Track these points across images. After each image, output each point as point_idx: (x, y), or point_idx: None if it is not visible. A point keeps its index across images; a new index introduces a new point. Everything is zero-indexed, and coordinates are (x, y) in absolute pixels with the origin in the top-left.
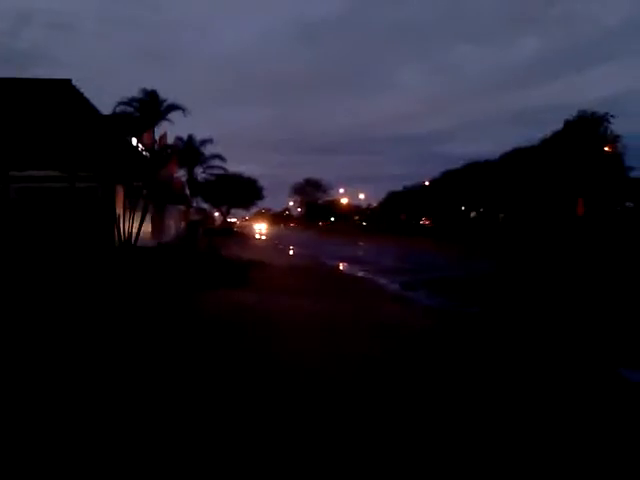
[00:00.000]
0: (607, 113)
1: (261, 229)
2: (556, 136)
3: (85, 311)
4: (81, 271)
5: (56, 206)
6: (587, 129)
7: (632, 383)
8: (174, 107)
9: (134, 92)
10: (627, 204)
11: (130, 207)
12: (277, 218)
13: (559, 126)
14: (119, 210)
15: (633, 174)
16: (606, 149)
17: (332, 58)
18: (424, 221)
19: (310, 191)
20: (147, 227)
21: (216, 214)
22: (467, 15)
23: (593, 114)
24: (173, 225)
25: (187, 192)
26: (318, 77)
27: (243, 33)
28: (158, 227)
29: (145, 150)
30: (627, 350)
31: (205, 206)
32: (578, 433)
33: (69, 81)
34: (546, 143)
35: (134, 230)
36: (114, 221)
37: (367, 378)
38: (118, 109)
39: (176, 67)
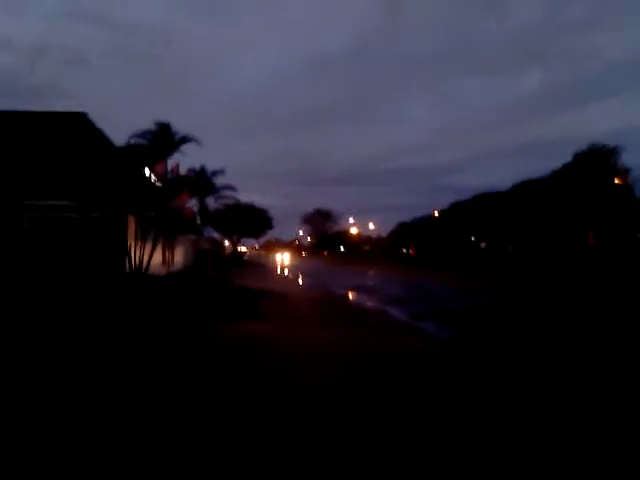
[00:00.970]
0: (617, 146)
1: (283, 260)
2: (566, 168)
3: (96, 340)
4: (92, 300)
5: (69, 235)
6: (597, 161)
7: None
8: (186, 139)
9: (147, 125)
10: (639, 235)
11: (141, 236)
12: (287, 248)
13: (567, 158)
14: (131, 239)
15: None
16: (616, 181)
17: (341, 92)
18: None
19: (320, 221)
20: (158, 256)
21: (226, 243)
22: (473, 49)
23: (604, 147)
24: (183, 254)
25: (198, 221)
26: (327, 110)
27: (254, 67)
28: (169, 256)
29: (157, 181)
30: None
31: (216, 235)
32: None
33: (84, 114)
34: (556, 175)
35: (145, 259)
36: (125, 250)
37: (376, 403)
38: (132, 141)
39: (188, 100)
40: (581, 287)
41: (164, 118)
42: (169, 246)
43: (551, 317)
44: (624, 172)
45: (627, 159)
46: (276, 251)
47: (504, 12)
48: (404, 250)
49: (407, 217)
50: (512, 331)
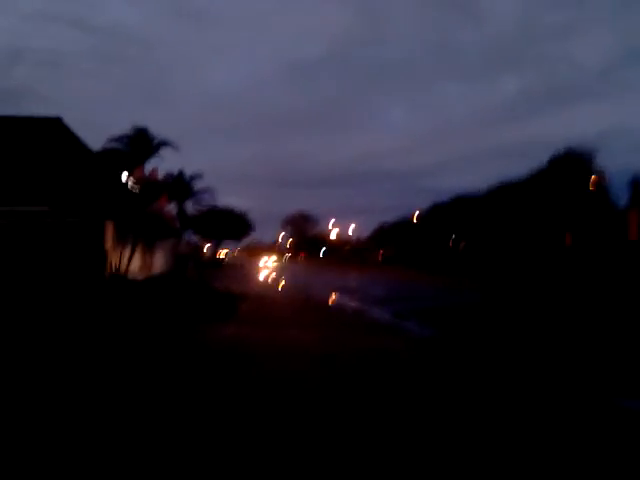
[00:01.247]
0: (593, 148)
1: (267, 264)
2: (543, 171)
3: (73, 345)
4: (70, 306)
5: (46, 242)
6: (573, 164)
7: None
8: (165, 143)
9: (125, 129)
10: (614, 237)
11: (120, 241)
12: (269, 251)
13: (543, 161)
14: (109, 245)
15: (618, 208)
16: (592, 184)
17: (319, 96)
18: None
19: (301, 224)
20: (137, 261)
21: (206, 247)
22: (451, 54)
23: (579, 150)
24: (163, 259)
25: (177, 226)
26: (306, 113)
27: (232, 71)
28: (147, 261)
29: (135, 185)
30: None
31: (195, 239)
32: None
33: (59, 119)
34: (533, 177)
35: (124, 264)
36: (104, 256)
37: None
38: (109, 145)
39: (167, 104)
40: (558, 286)
41: (142, 122)
42: (148, 251)
43: (528, 315)
44: (600, 174)
45: (602, 161)
46: (258, 255)
47: (480, 18)
48: (379, 252)
49: (387, 219)
50: (488, 328)
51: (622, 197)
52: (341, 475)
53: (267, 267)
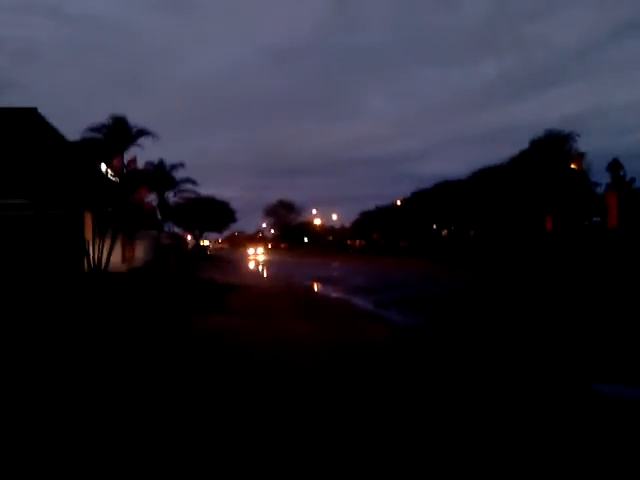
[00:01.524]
0: (572, 132)
1: (256, 253)
2: (523, 155)
3: (52, 340)
4: (46, 301)
5: (24, 235)
6: (553, 147)
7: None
8: (144, 132)
9: (103, 118)
10: (594, 219)
11: (100, 233)
12: (253, 241)
13: (524, 145)
14: (88, 236)
15: (598, 190)
16: (572, 166)
17: (301, 83)
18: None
19: (283, 213)
20: (117, 253)
21: (189, 238)
22: (429, 40)
23: (559, 133)
24: (144, 250)
25: (159, 216)
26: (287, 101)
27: (212, 59)
28: (128, 253)
29: (115, 176)
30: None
31: (177, 230)
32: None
33: (34, 109)
34: (514, 161)
35: (104, 256)
36: (83, 248)
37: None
38: (87, 135)
39: (146, 93)
40: (539, 270)
41: (121, 111)
42: (129, 242)
43: (511, 301)
44: (579, 157)
45: (582, 145)
46: (241, 245)
47: (457, 2)
48: (361, 240)
49: (370, 207)
50: (471, 314)
51: (602, 179)
52: (333, 463)
53: (253, 257)
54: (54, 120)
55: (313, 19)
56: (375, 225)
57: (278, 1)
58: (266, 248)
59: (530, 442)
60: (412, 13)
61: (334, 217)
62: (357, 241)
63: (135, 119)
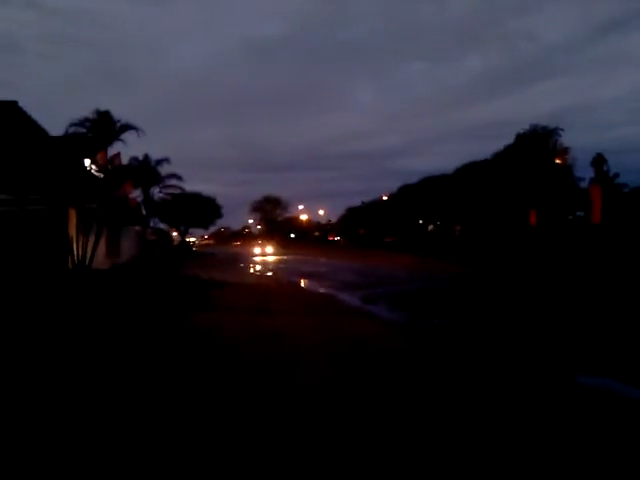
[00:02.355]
0: (557, 127)
1: (264, 253)
2: (509, 149)
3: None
4: (30, 298)
5: (5, 231)
6: (538, 142)
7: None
8: (128, 127)
9: (86, 112)
10: (578, 213)
11: (84, 229)
12: (236, 236)
13: (510, 140)
14: (72, 233)
15: (582, 185)
16: (557, 161)
17: (286, 77)
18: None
19: (269, 208)
20: (102, 249)
21: (174, 234)
22: (415, 34)
23: (544, 128)
24: (129, 246)
25: (144, 213)
26: (273, 96)
27: (196, 53)
28: (113, 249)
29: (99, 171)
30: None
31: (163, 226)
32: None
33: (15, 103)
34: (499, 156)
35: (88, 253)
36: (67, 244)
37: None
38: (70, 130)
39: (130, 87)
40: (523, 264)
41: (104, 106)
42: (114, 239)
43: (496, 296)
44: (564, 152)
45: (566, 139)
46: (228, 241)
47: None
48: (347, 235)
49: (357, 202)
50: (456, 309)
51: (586, 174)
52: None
53: (260, 258)
54: (36, 114)
55: (299, 12)
56: (361, 220)
57: None
58: (253, 244)
59: (512, 434)
60: (399, 7)
61: (321, 212)
62: (338, 237)
63: (119, 114)
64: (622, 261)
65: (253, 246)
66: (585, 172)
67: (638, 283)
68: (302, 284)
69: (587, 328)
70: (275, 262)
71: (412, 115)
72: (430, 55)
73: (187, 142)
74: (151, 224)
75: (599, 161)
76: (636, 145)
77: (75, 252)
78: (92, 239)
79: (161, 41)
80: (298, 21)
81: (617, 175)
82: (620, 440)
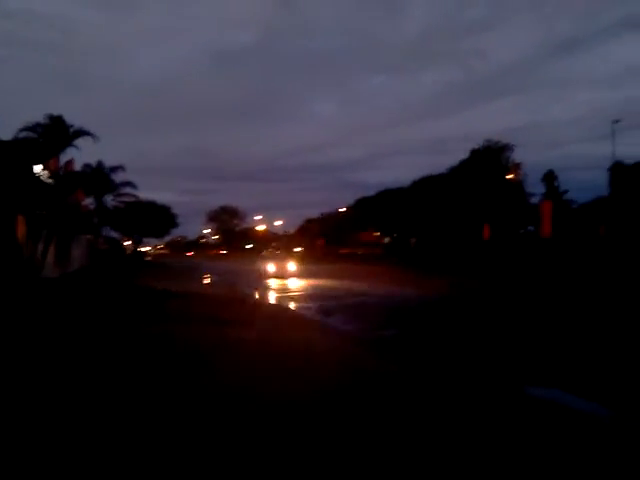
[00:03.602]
0: (509, 143)
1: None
2: (464, 164)
3: None
4: None
5: None
6: (492, 158)
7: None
8: (82, 133)
9: (39, 117)
10: (529, 228)
11: (32, 237)
12: (192, 247)
13: (465, 155)
14: (21, 241)
15: (533, 200)
16: (509, 176)
17: (247, 87)
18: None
19: (226, 218)
20: (51, 258)
21: (127, 243)
22: (375, 48)
23: (497, 143)
24: (79, 255)
25: (96, 221)
26: (233, 106)
27: (157, 60)
28: (63, 257)
29: (50, 177)
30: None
31: (115, 235)
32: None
33: None
34: (455, 170)
35: (37, 262)
36: (15, 253)
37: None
38: (21, 135)
39: (87, 93)
40: (475, 277)
41: (58, 111)
42: (63, 247)
43: (447, 309)
44: (516, 167)
45: (518, 156)
46: (183, 251)
47: (403, 12)
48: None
49: (314, 213)
50: (407, 321)
51: (537, 190)
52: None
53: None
54: None
55: (260, 22)
56: (319, 232)
57: (224, 2)
58: (207, 254)
59: (455, 446)
60: (359, 19)
61: (279, 223)
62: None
63: (73, 119)
64: (570, 273)
65: (261, 261)
66: (536, 188)
67: (584, 292)
68: (257, 295)
69: (539, 337)
70: (227, 272)
71: (371, 128)
72: (389, 69)
73: (145, 150)
74: (103, 233)
75: (550, 177)
76: (585, 163)
77: (23, 260)
78: (41, 247)
79: (121, 47)
80: (260, 32)
81: (566, 191)
82: (560, 450)
